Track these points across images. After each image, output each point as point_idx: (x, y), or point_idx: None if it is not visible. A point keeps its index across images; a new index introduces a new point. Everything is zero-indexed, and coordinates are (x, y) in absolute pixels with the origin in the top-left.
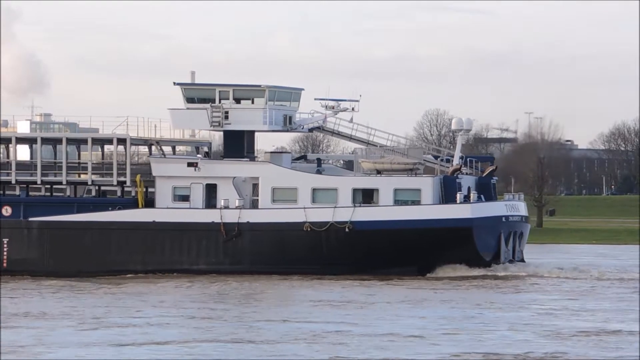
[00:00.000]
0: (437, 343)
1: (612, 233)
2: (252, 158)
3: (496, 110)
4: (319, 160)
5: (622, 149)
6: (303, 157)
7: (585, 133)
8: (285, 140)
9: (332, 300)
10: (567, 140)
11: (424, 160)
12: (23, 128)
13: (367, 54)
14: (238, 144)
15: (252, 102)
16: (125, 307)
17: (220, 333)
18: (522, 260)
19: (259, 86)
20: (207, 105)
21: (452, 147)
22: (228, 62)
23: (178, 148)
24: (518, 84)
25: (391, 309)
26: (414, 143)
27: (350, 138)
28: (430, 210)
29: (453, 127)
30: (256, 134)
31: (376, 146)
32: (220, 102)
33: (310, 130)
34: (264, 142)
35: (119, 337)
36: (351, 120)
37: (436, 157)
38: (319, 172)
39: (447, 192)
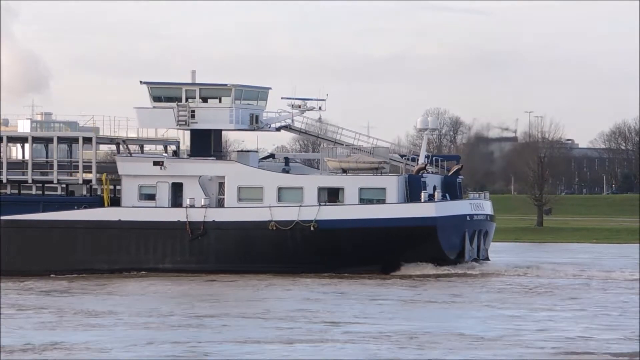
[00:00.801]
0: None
1: (612, 232)
2: (219, 157)
3: (496, 109)
4: (286, 160)
5: (623, 148)
6: (271, 156)
7: (585, 132)
8: (286, 139)
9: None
10: (568, 139)
11: (391, 159)
12: (24, 127)
13: (367, 53)
14: (205, 143)
15: (220, 101)
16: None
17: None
18: (487, 259)
19: (225, 85)
20: (174, 104)
21: (452, 146)
22: (228, 61)
23: (147, 147)
24: (518, 83)
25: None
26: (380, 142)
27: (317, 137)
28: (394, 209)
29: (418, 126)
30: (258, 133)
31: (342, 145)
32: (187, 101)
33: (278, 129)
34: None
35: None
36: (319, 119)
37: (402, 156)
38: (285, 171)
39: (412, 191)
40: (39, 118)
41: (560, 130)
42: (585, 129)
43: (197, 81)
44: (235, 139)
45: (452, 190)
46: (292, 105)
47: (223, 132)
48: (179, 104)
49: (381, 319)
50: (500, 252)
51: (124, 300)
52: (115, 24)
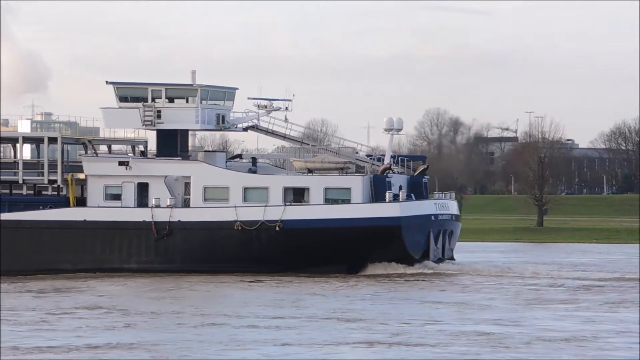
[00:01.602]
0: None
1: (612, 232)
2: (186, 157)
3: (496, 109)
4: (253, 160)
5: (623, 148)
6: (238, 156)
7: (585, 132)
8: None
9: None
10: (568, 140)
11: (357, 159)
12: (24, 127)
13: (367, 53)
14: (171, 143)
15: (187, 102)
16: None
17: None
18: (452, 259)
19: (191, 85)
20: (140, 104)
21: (452, 146)
22: (228, 61)
23: (118, 147)
24: (518, 83)
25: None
26: (346, 142)
27: (284, 137)
28: (359, 209)
29: (384, 126)
30: (258, 134)
31: (308, 145)
32: (153, 102)
33: (245, 129)
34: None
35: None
36: (286, 120)
37: (369, 156)
38: (251, 171)
39: (377, 191)
40: (39, 118)
41: (561, 130)
42: (585, 129)
43: (196, 82)
44: (235, 139)
45: (418, 190)
46: (258, 106)
47: (223, 133)
48: (145, 104)
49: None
50: (500, 253)
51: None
52: (115, 24)
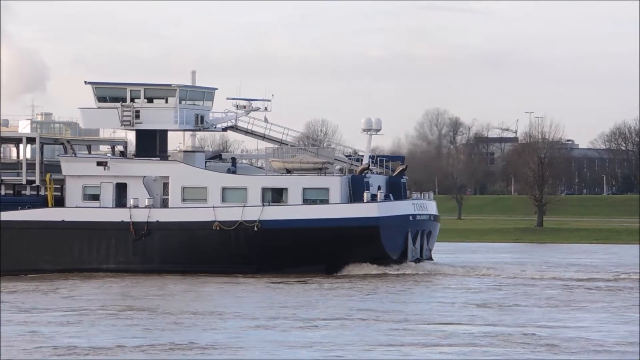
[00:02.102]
0: None
1: (612, 232)
2: (165, 157)
3: (496, 109)
4: (233, 160)
5: (623, 148)
6: (218, 157)
7: (585, 132)
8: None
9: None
10: (568, 140)
11: (335, 159)
12: (24, 128)
13: (366, 53)
14: (150, 143)
15: (166, 102)
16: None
17: None
18: (430, 259)
19: (170, 85)
20: (118, 105)
21: (452, 146)
22: (227, 61)
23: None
24: (518, 83)
25: None
26: (326, 142)
27: (263, 137)
28: (337, 209)
29: (362, 127)
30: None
31: (287, 145)
32: (132, 102)
33: (224, 129)
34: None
35: None
36: (265, 120)
37: (348, 157)
38: (230, 171)
39: (356, 191)
40: (39, 119)
41: (561, 130)
42: (585, 129)
43: (196, 82)
44: (235, 139)
45: (396, 190)
46: (237, 106)
47: (223, 133)
48: (124, 104)
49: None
50: (501, 252)
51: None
52: (115, 24)
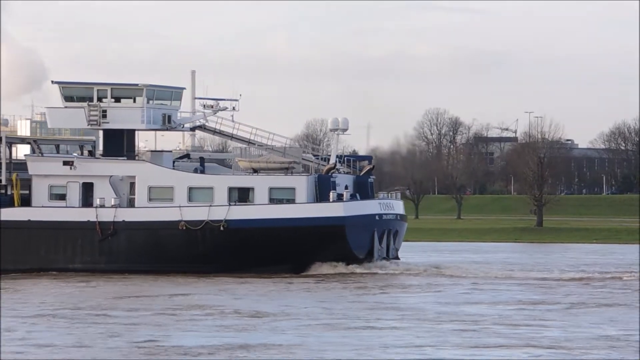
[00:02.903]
0: None
1: (612, 232)
2: (132, 157)
3: (496, 109)
4: (201, 160)
5: (622, 148)
6: (186, 156)
7: (585, 132)
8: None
9: None
10: (568, 140)
11: (303, 159)
12: (23, 128)
13: (366, 53)
14: (117, 143)
15: (134, 101)
16: None
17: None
18: (397, 258)
19: (137, 85)
20: (85, 104)
21: (452, 146)
22: (227, 61)
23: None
24: (518, 83)
25: None
26: (294, 142)
27: (231, 137)
28: (303, 209)
29: (329, 127)
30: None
31: (255, 145)
32: (99, 101)
33: (192, 129)
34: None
35: None
36: (232, 119)
37: (316, 156)
38: (197, 171)
39: (322, 190)
40: (38, 118)
41: (560, 130)
42: (585, 129)
43: (196, 82)
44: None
45: (363, 190)
46: (205, 105)
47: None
48: (90, 103)
49: None
50: (500, 252)
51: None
52: (114, 24)
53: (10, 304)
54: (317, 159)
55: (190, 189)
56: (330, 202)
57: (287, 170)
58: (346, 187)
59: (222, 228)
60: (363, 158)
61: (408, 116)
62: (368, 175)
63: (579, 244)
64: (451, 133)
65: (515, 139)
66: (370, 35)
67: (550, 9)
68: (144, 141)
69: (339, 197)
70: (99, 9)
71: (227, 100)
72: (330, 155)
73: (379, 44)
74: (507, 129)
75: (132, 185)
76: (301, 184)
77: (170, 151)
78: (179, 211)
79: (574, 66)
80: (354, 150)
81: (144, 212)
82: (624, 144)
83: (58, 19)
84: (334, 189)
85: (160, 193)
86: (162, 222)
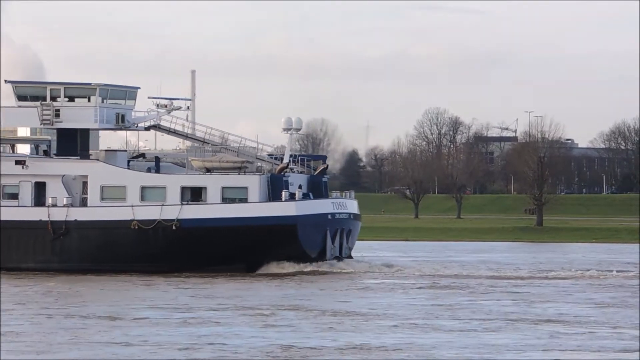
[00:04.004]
0: None
1: (611, 232)
2: (86, 156)
3: (496, 109)
4: (157, 159)
5: (622, 147)
6: (141, 156)
7: (585, 132)
8: (286, 139)
9: None
10: (568, 139)
11: (257, 158)
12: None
13: (364, 53)
14: (71, 142)
15: (89, 100)
16: None
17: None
18: (350, 257)
19: (90, 84)
20: (38, 103)
21: (452, 145)
22: (225, 61)
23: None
24: (518, 83)
25: None
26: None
27: (186, 136)
28: (255, 208)
29: (283, 126)
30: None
31: (209, 144)
32: (53, 101)
33: (147, 128)
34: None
35: None
36: (187, 119)
37: (270, 156)
38: (150, 170)
39: (275, 190)
40: None
41: (560, 130)
42: (585, 128)
43: (196, 82)
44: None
45: (317, 189)
46: (158, 105)
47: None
48: (43, 102)
49: None
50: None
51: None
52: (113, 24)
53: None
54: (272, 158)
55: (143, 188)
56: (282, 201)
57: (240, 169)
58: (300, 187)
59: (174, 227)
60: (317, 157)
61: (408, 116)
62: (322, 174)
63: (579, 243)
64: (451, 132)
65: (515, 139)
66: (368, 36)
67: (551, 9)
68: (143, 141)
69: (292, 197)
70: (99, 9)
71: (181, 99)
72: (284, 155)
73: (378, 44)
74: (507, 129)
75: (85, 184)
76: (254, 184)
77: (125, 150)
78: (132, 210)
79: (574, 66)
80: (354, 150)
81: (96, 212)
82: (623, 144)
83: (58, 19)
84: (287, 188)
85: (113, 192)
86: (115, 221)
